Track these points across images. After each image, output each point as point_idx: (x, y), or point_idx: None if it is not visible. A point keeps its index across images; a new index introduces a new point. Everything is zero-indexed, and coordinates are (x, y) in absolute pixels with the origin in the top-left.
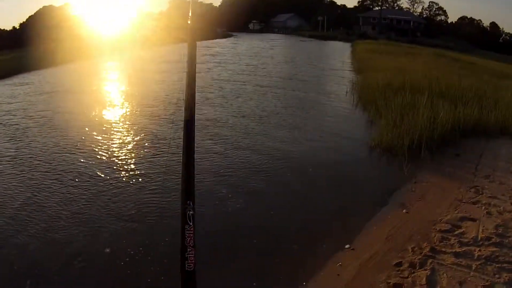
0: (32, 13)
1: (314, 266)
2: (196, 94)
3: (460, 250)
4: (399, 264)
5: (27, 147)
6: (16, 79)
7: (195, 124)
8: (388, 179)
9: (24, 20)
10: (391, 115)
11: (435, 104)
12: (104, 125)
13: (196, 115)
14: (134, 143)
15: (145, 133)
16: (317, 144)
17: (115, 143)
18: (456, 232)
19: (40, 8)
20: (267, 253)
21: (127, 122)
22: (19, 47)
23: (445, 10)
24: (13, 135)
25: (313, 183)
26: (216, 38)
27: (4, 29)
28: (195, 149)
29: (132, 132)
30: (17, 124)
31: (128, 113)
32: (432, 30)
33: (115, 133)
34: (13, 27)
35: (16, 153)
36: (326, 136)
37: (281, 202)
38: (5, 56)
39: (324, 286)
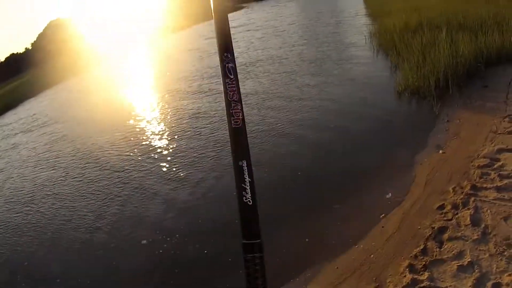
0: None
1: (358, 221)
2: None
3: (502, 183)
4: (441, 207)
5: None
6: None
7: None
8: (420, 122)
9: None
10: (413, 57)
11: (455, 38)
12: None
13: None
14: None
15: None
16: (345, 95)
17: None
18: (495, 166)
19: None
20: (311, 211)
21: None
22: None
23: None
24: None
25: (346, 135)
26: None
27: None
28: None
29: None
30: None
31: None
32: None
33: None
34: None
35: None
36: (352, 86)
37: (315, 154)
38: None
39: (370, 241)
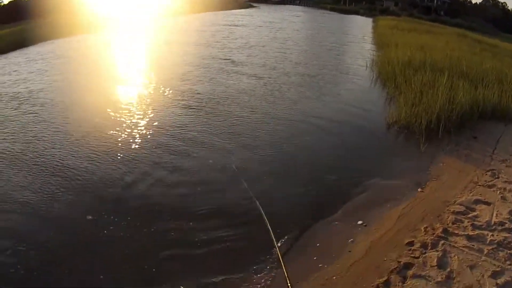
0: None
1: (326, 241)
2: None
3: (473, 233)
4: (410, 244)
5: None
6: None
7: None
8: (405, 157)
9: None
10: (411, 93)
11: (455, 84)
12: None
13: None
14: None
15: None
16: (335, 119)
17: None
18: (469, 215)
19: None
20: (282, 227)
21: None
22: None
23: None
24: None
25: (330, 159)
26: (237, 8)
27: None
28: None
29: None
30: None
31: None
32: (456, 9)
33: None
34: None
35: None
36: (344, 111)
37: (298, 176)
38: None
39: (335, 262)
